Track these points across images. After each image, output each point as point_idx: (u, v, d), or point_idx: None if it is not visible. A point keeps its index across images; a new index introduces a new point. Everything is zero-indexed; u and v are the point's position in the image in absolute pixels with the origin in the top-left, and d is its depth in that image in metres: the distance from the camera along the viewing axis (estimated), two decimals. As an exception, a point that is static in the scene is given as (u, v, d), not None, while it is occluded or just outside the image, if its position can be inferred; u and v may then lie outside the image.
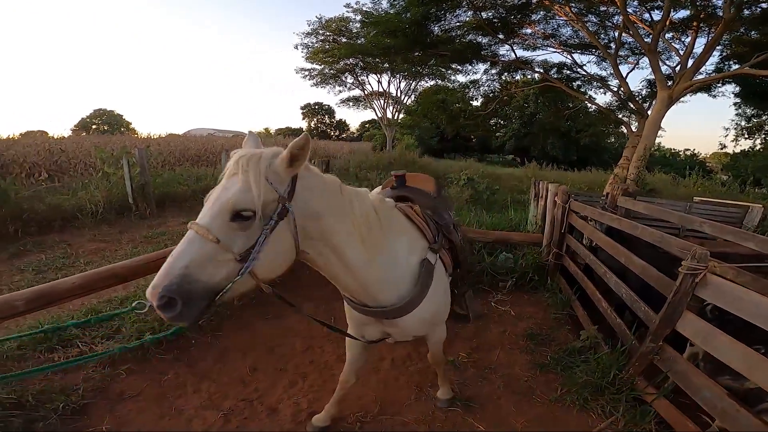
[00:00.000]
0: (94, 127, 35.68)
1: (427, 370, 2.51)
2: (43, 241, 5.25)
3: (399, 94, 23.39)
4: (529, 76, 14.48)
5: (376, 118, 25.65)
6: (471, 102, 15.68)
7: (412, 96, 23.55)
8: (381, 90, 23.28)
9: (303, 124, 53.41)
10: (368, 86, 23.45)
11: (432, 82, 20.84)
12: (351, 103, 26.64)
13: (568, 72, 12.88)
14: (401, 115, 25.32)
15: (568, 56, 12.34)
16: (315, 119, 51.58)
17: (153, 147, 12.86)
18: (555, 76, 12.76)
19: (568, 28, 11.28)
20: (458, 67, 14.12)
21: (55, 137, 14.50)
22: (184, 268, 0.98)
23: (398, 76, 21.64)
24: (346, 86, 23.59)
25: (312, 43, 19.47)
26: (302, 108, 51.87)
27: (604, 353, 2.51)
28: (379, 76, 22.19)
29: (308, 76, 22.45)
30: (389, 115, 24.12)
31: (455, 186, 8.92)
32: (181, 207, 7.67)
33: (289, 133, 48.51)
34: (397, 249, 1.47)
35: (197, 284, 1.00)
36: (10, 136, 13.41)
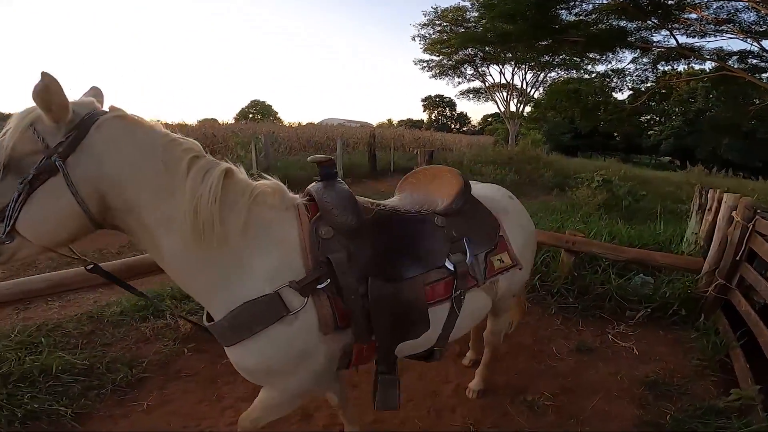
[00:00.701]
0: (250, 115, 42.22)
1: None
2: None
3: (525, 87, 21.55)
4: (697, 67, 11.69)
5: (498, 111, 24.21)
6: (612, 94, 13.48)
7: (540, 88, 21.44)
8: (504, 82, 21.79)
9: (424, 116, 53.64)
10: (489, 78, 22.20)
11: (564, 73, 18.57)
12: (471, 95, 25.62)
13: (755, 61, 9.96)
14: (527, 109, 23.35)
15: (755, 43, 9.48)
16: (435, 111, 51.40)
17: (282, 134, 14.49)
18: (736, 66, 10.01)
19: (751, 13, 8.63)
20: (596, 56, 12.21)
21: (222, 123, 17.86)
22: None
23: (523, 66, 19.90)
24: (465, 78, 22.76)
25: (429, 34, 19.24)
26: (423, 100, 52.18)
27: (762, 425, 1.81)
28: (501, 67, 20.76)
29: (426, 68, 22.32)
30: (513, 108, 22.46)
31: (585, 188, 7.58)
32: (297, 190, 8.50)
33: (411, 124, 49.48)
34: (253, 265, 1.05)
35: None
36: (190, 123, 16.94)
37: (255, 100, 44.71)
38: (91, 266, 1.08)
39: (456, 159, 13.02)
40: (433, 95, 51.89)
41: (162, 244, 1.00)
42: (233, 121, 27.57)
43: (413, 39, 19.83)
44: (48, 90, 0.85)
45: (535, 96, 21.78)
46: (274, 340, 1.05)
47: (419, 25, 19.14)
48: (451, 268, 1.26)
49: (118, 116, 0.97)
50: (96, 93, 1.04)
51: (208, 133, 12.38)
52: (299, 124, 20.18)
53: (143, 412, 1.95)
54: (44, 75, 0.84)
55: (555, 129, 29.28)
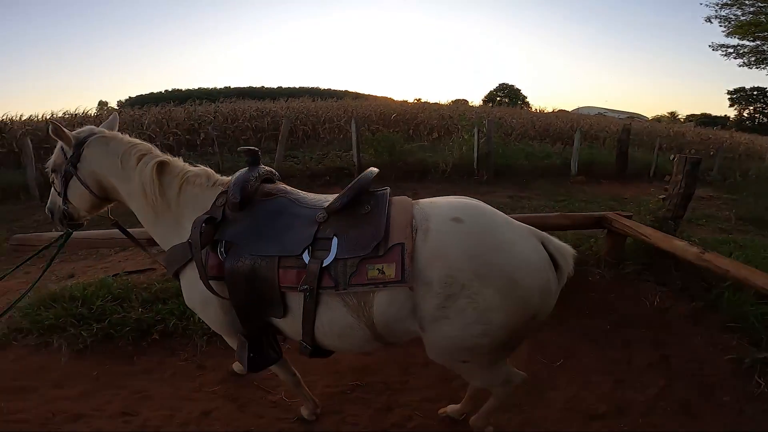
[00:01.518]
0: (498, 99, 42.09)
1: None
2: (401, 186, 6.84)
3: None
4: None
5: None
6: None
7: None
8: None
9: (730, 112, 39.79)
10: None
11: None
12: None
13: None
14: None
15: None
16: (750, 108, 36.99)
17: (517, 120, 13.48)
18: None
19: None
20: None
21: (472, 105, 18.69)
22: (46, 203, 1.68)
23: None
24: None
25: (735, 15, 13.31)
26: (731, 93, 38.38)
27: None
28: None
29: (733, 54, 15.70)
30: None
31: None
32: (516, 180, 7.69)
33: (706, 121, 37.36)
34: (183, 224, 1.47)
35: (52, 208, 1.63)
36: (446, 102, 18.43)
37: (503, 84, 44.03)
38: (114, 222, 1.76)
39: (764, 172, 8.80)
40: (748, 87, 37.28)
41: (134, 208, 1.57)
42: (480, 103, 28.15)
43: (708, 20, 14.33)
44: (55, 131, 1.48)
45: None
46: (187, 279, 1.47)
47: (717, 4, 13.61)
48: (306, 260, 1.29)
49: (99, 136, 1.54)
50: (113, 118, 1.70)
51: (445, 114, 12.91)
52: (540, 110, 18.43)
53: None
54: (51, 123, 1.48)
55: None
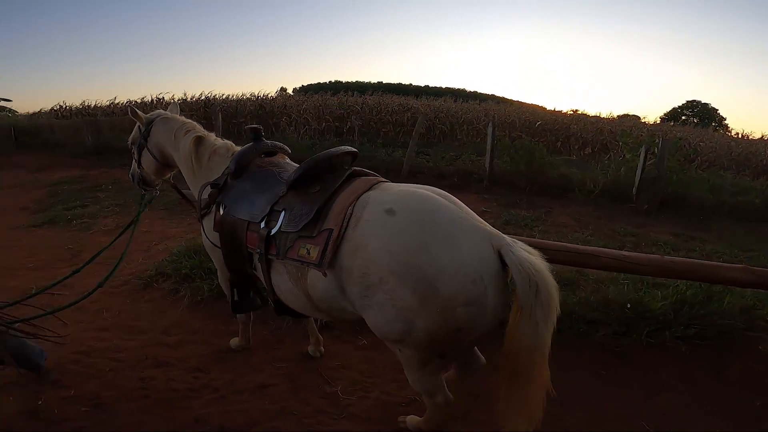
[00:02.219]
0: (683, 118, 34.81)
1: None
2: (534, 201, 6.13)
3: None
4: None
5: None
6: None
7: None
8: None
9: None
10: None
11: None
12: None
13: None
14: None
15: None
16: None
17: (705, 143, 10.80)
18: None
19: None
20: None
21: (644, 121, 16.01)
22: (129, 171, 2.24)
23: None
24: None
25: None
26: None
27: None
28: None
29: None
30: None
31: None
32: (688, 216, 6.11)
33: None
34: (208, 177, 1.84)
35: (133, 174, 2.18)
36: (608, 116, 16.10)
37: (693, 101, 36.03)
38: (172, 184, 2.22)
39: None
40: None
41: (183, 171, 1.98)
42: (658, 121, 23.81)
43: None
44: (133, 113, 2.02)
45: None
46: (203, 227, 1.80)
47: None
48: (262, 227, 1.47)
49: (163, 117, 2.03)
50: (173, 106, 2.20)
51: (605, 129, 11.21)
52: (743, 134, 14.47)
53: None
54: (129, 107, 2.03)
55: None
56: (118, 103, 14.58)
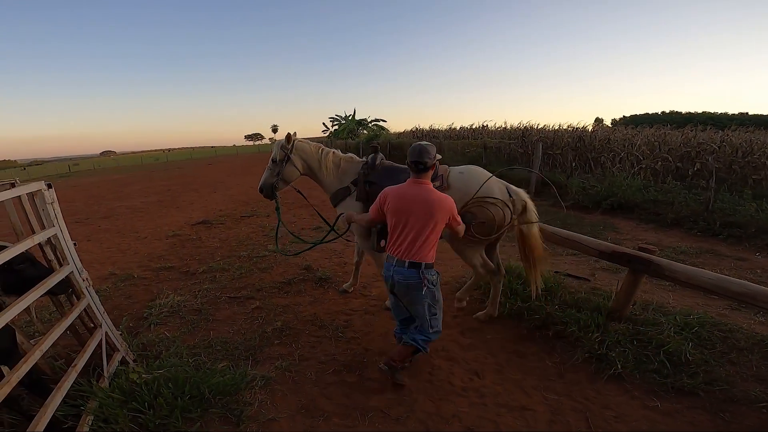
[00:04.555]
0: None
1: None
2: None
3: None
4: None
5: None
6: None
7: None
8: None
9: None
10: None
11: None
12: None
13: None
14: None
15: None
16: None
17: None
18: None
19: None
20: None
21: None
22: (261, 180, 3.38)
23: None
24: None
25: None
26: None
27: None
28: None
29: None
30: None
31: None
32: None
33: None
34: (344, 180, 3.30)
35: (263, 186, 3.36)
36: None
37: None
38: (297, 190, 3.57)
39: None
40: None
41: (321, 178, 3.37)
42: None
43: None
44: (287, 138, 3.30)
45: None
46: (342, 207, 3.26)
47: None
48: None
49: (299, 141, 3.36)
50: (294, 139, 3.43)
51: None
52: None
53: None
54: (288, 135, 3.30)
55: None
56: (455, 128, 17.87)
